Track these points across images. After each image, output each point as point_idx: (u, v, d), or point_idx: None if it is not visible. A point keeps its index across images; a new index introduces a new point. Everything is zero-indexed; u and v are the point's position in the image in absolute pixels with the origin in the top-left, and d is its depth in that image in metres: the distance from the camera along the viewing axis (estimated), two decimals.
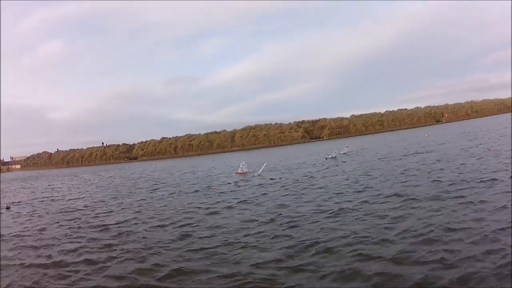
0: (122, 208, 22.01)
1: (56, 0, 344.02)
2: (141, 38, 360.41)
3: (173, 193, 27.67)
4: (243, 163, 40.05)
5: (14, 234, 16.90)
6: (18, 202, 31.93)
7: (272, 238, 12.11)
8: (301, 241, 11.32)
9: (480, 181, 17.59)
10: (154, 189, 32.03)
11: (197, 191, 27.62)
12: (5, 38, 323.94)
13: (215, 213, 17.64)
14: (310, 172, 33.27)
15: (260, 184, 27.57)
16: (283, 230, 13.01)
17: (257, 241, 11.95)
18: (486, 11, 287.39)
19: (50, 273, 10.78)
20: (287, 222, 13.97)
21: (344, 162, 40.32)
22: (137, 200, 25.10)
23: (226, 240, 12.33)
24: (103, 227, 16.55)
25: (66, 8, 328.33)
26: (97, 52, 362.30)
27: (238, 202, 19.99)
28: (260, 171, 36.99)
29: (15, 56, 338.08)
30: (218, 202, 20.98)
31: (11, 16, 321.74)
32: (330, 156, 48.31)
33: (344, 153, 53.68)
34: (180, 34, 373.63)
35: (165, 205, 21.68)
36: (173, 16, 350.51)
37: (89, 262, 11.38)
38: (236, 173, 38.97)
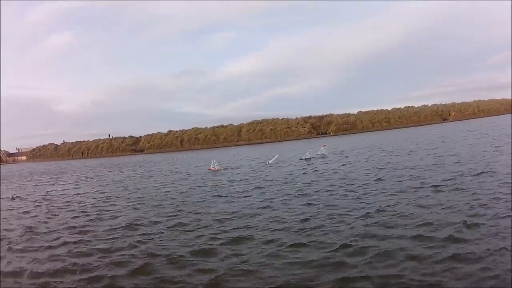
0: None
1: None
2: (148, 31, 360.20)
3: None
4: (214, 161, 43.29)
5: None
6: None
7: None
8: None
9: None
10: None
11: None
12: (12, 30, 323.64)
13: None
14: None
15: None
16: None
17: None
18: (493, 10, 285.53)
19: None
20: None
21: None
22: None
23: None
24: None
25: (73, 1, 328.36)
26: (104, 45, 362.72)
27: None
28: (271, 161, 42.95)
29: (22, 48, 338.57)
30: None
31: (18, 8, 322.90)
32: (304, 157, 44.82)
33: (321, 153, 48.57)
34: (187, 28, 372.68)
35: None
36: (179, 10, 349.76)
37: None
38: (209, 169, 41.70)
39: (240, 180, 29.51)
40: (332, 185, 21.68)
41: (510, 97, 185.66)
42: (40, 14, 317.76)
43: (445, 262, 8.54)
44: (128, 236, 13.36)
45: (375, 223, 12.32)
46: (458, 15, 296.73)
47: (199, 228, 13.84)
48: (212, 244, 11.46)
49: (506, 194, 14.41)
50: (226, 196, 20.97)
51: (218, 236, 12.37)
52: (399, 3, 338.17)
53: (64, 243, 12.95)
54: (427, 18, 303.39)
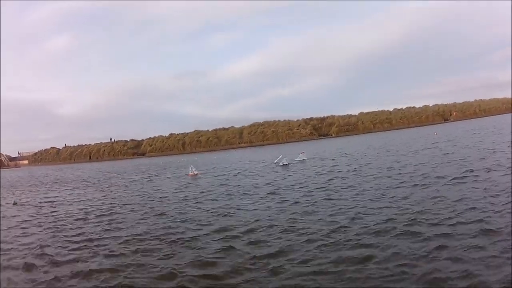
0: None
1: None
2: (148, 31, 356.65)
3: None
4: (192, 166, 44.48)
5: None
6: None
7: None
8: None
9: None
10: None
11: None
12: (12, 31, 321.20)
13: None
14: None
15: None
16: None
17: None
18: (494, 9, 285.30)
19: None
20: None
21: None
22: None
23: None
24: None
25: (73, 1, 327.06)
26: (104, 46, 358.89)
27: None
28: (276, 160, 45.82)
29: (22, 49, 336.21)
30: None
31: (17, 8, 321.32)
32: (281, 164, 43.60)
33: (302, 159, 48.41)
34: (187, 28, 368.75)
35: None
36: (180, 9, 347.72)
37: None
38: (188, 175, 42.47)
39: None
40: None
41: (511, 96, 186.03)
42: (40, 15, 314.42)
43: None
44: None
45: None
46: (458, 14, 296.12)
47: None
48: None
49: None
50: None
51: None
52: (400, 3, 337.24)
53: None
54: (427, 17, 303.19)
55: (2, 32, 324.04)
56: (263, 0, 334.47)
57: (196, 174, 41.95)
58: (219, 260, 10.90)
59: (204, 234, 14.14)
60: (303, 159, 48.60)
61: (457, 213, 13.21)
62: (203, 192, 26.94)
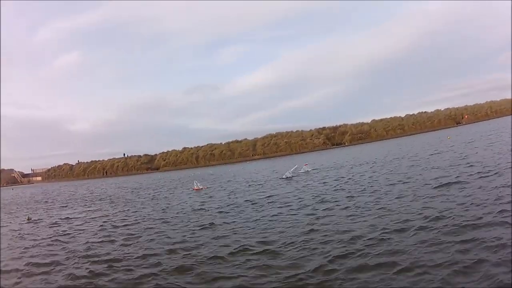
0: None
1: (73, 6, 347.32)
2: (159, 47, 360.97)
3: None
4: (196, 181, 46.46)
5: None
6: None
7: None
8: None
9: None
10: None
11: None
12: (22, 49, 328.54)
13: None
14: None
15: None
16: None
17: None
18: (501, 10, 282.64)
19: None
20: None
21: None
22: None
23: None
24: None
25: (82, 19, 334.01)
26: (115, 63, 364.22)
27: None
28: (291, 170, 45.02)
29: (34, 67, 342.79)
30: None
31: (28, 27, 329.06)
32: (284, 176, 43.33)
33: (306, 170, 48.26)
34: (198, 42, 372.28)
35: None
36: (189, 25, 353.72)
37: None
38: (194, 189, 43.63)
39: None
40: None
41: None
42: (51, 33, 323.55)
43: None
44: None
45: None
46: (467, 16, 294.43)
47: None
48: None
49: None
50: None
51: None
52: (405, 4, 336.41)
53: None
54: (435, 20, 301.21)
55: (13, 51, 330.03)
56: (272, 7, 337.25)
57: (201, 188, 42.86)
58: None
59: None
60: (307, 170, 48.47)
61: None
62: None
